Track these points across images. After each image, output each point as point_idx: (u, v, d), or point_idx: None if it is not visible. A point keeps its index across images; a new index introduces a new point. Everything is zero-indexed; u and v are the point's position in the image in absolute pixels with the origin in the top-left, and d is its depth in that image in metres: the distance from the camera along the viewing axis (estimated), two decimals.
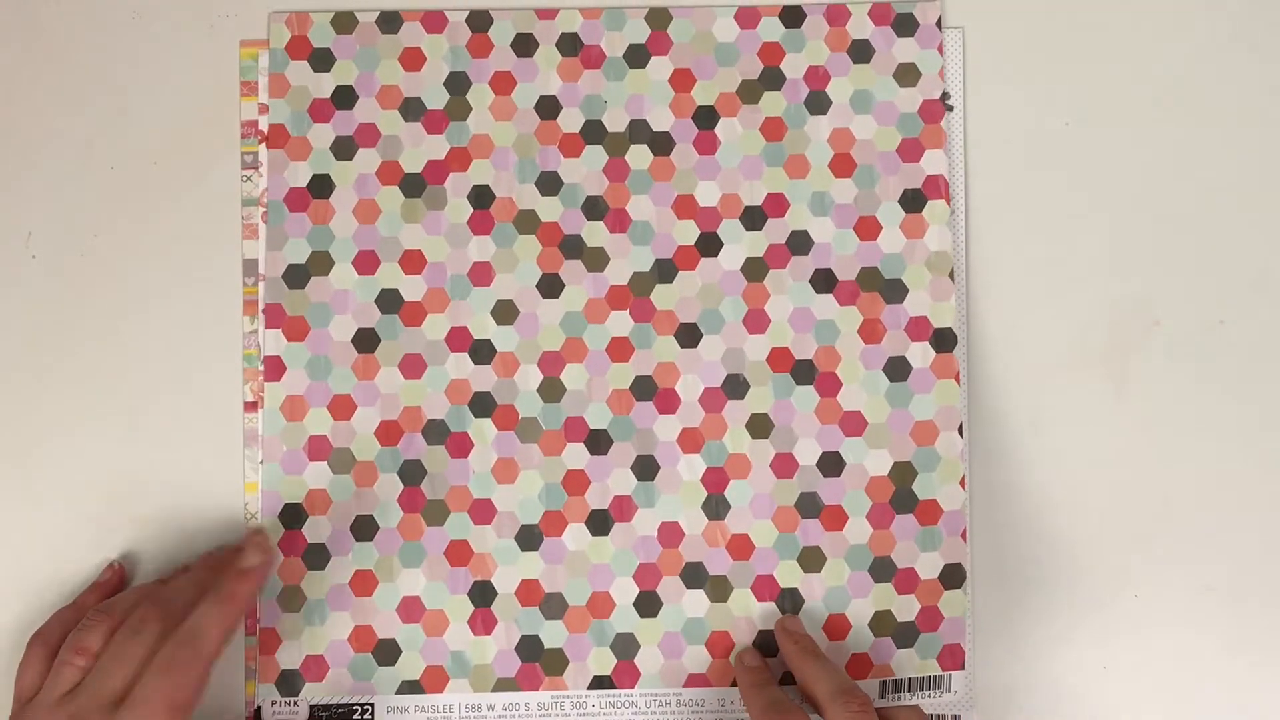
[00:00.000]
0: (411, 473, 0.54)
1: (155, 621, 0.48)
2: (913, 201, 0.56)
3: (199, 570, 0.52)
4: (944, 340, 0.55)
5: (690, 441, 0.54)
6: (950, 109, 0.56)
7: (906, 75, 0.56)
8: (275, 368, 0.55)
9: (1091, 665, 0.56)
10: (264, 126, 0.56)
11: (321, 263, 0.55)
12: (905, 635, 0.54)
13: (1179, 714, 0.56)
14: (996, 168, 0.57)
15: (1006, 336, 0.56)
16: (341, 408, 0.54)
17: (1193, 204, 0.57)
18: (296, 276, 0.55)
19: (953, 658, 0.54)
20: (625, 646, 0.54)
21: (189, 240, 0.56)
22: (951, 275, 0.55)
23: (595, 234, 0.55)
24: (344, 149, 0.56)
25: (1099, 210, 0.57)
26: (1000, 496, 0.56)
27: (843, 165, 0.56)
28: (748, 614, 0.54)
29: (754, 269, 0.55)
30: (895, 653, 0.54)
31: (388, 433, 0.54)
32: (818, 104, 0.56)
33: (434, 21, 0.56)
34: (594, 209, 0.55)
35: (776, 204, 0.56)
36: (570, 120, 0.56)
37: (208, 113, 0.57)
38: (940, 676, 0.54)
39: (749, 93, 0.56)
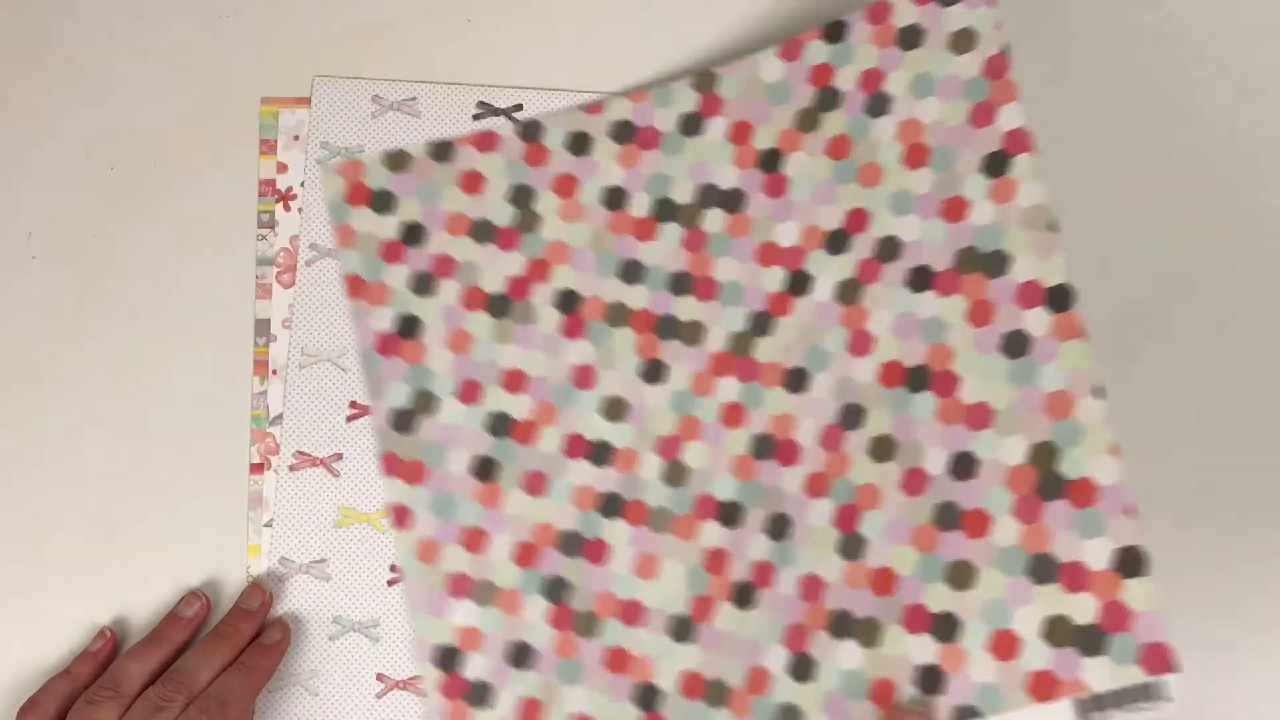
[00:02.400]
0: (555, 589, 0.53)
1: (180, 699, 0.49)
2: (996, 165, 0.52)
3: (213, 644, 0.52)
4: (1059, 298, 0.50)
5: (817, 485, 0.52)
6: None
7: (962, 41, 0.53)
8: (402, 515, 0.54)
9: None
10: (282, 186, 0.57)
11: (426, 402, 0.54)
12: (1090, 641, 0.47)
13: None
14: None
15: None
16: (474, 540, 0.53)
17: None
18: (404, 421, 0.54)
19: (1158, 659, 0.46)
20: None
21: (189, 241, 0.56)
22: (1052, 227, 0.51)
23: (687, 308, 0.54)
24: (424, 285, 0.55)
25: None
26: None
27: (916, 156, 0.53)
28: (903, 653, 0.50)
29: (848, 291, 0.53)
30: (1082, 663, 0.48)
31: (525, 555, 0.53)
32: (878, 106, 0.54)
33: (486, 141, 0.56)
34: (681, 284, 0.54)
35: (857, 219, 0.53)
36: (639, 204, 0.55)
37: (209, 113, 0.57)
38: (1149, 684, 0.47)
39: (808, 121, 0.54)
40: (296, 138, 0.57)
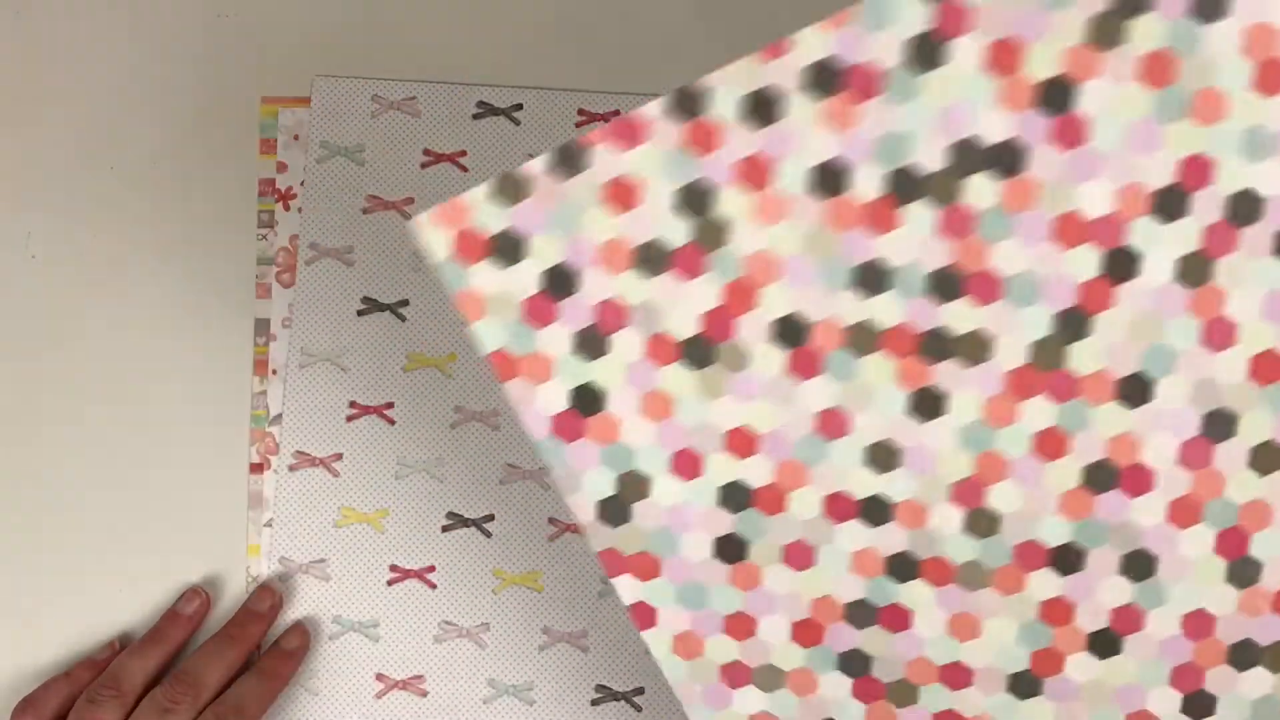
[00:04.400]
0: (854, 664, 0.45)
1: (188, 701, 0.48)
2: None
3: (221, 646, 0.52)
4: None
5: (1184, 513, 0.43)
6: None
7: None
8: (646, 614, 0.45)
9: None
10: (281, 186, 0.56)
11: (635, 486, 0.44)
12: None
13: None
14: None
15: None
16: (739, 627, 0.45)
17: None
18: (615, 512, 0.44)
19: None
20: None
21: (189, 241, 0.56)
22: None
23: (961, 316, 0.42)
24: (593, 344, 0.42)
25: None
26: None
27: (1272, 76, 0.39)
28: None
29: (1193, 269, 0.41)
30: None
31: (806, 633, 0.45)
32: (1210, 5, 0.39)
33: (625, 131, 0.41)
34: (946, 286, 0.42)
35: (1197, 170, 0.40)
36: (866, 182, 0.41)
37: (209, 113, 0.57)
38: None
39: (1105, 33, 0.39)
40: (296, 137, 0.57)
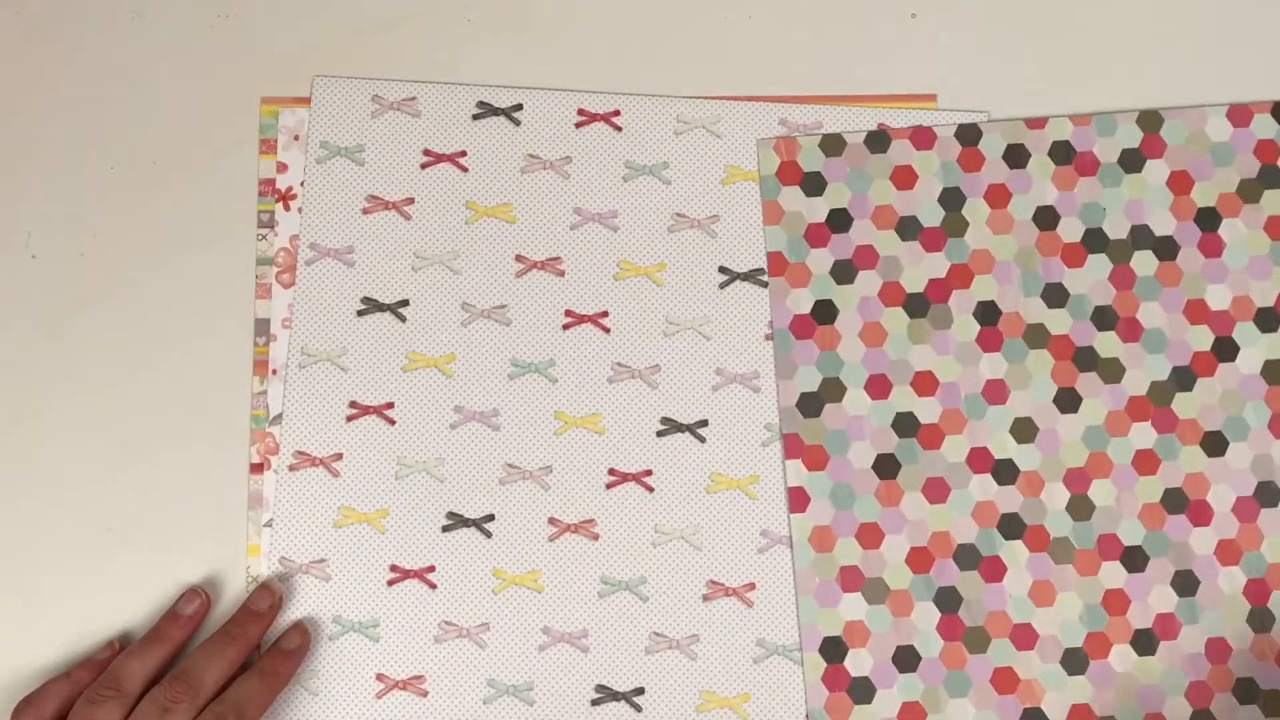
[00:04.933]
0: (947, 600, 0.53)
1: (187, 701, 0.48)
2: None
3: (220, 645, 0.51)
4: None
5: (1228, 553, 0.53)
6: None
7: None
8: (800, 499, 0.54)
9: None
10: (281, 186, 0.56)
11: (834, 389, 0.55)
12: None
13: None
14: None
15: None
16: (869, 536, 0.54)
17: None
18: (811, 405, 0.55)
19: None
20: None
21: (189, 241, 0.56)
22: None
23: (1108, 345, 0.55)
24: (844, 273, 0.55)
25: None
26: None
27: None
28: None
29: (1273, 371, 0.54)
30: None
31: (919, 560, 0.54)
32: None
33: (923, 138, 0.56)
34: (1104, 319, 0.55)
35: None
36: (1070, 229, 0.55)
37: (209, 113, 0.57)
38: None
39: (1249, 192, 0.55)
40: (296, 137, 0.57)
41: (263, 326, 0.56)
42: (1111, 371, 0.54)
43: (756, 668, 0.54)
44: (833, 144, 0.56)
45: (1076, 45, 0.57)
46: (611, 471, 0.56)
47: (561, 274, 0.57)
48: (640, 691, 0.55)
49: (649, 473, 0.56)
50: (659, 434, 0.56)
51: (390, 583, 0.55)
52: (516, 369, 0.56)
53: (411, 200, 0.57)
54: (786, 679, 0.54)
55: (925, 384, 0.55)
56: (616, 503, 0.55)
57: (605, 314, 0.56)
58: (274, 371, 0.56)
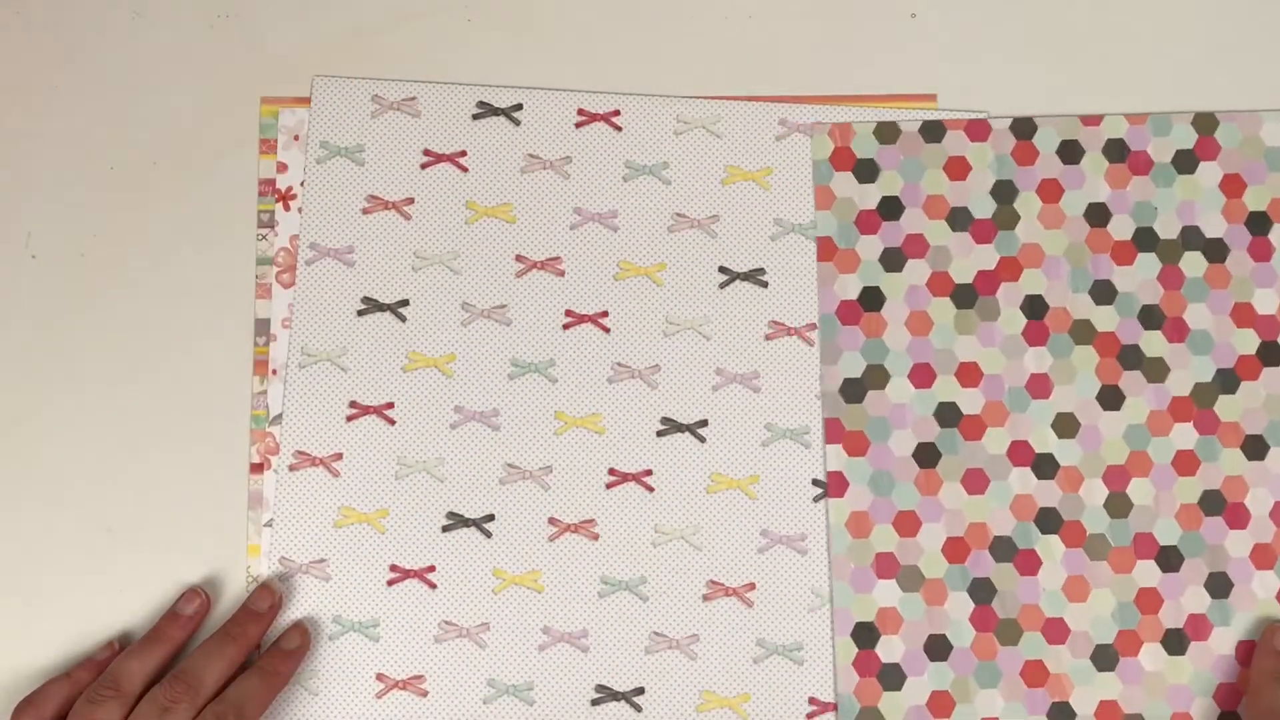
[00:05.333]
0: (981, 590, 0.54)
1: (187, 701, 0.48)
2: None
3: (220, 645, 0.51)
4: None
5: (1262, 558, 0.53)
6: None
7: None
8: (838, 484, 0.54)
9: None
10: (281, 186, 0.56)
11: (878, 377, 0.55)
12: None
13: None
14: None
15: None
16: (906, 524, 0.54)
17: None
18: (854, 391, 0.55)
19: None
20: None
21: (190, 241, 0.56)
22: None
23: (1153, 344, 0.55)
24: (893, 261, 0.56)
25: None
26: None
27: None
28: None
29: None
30: None
31: (955, 549, 0.54)
32: None
33: (977, 129, 0.56)
34: (1151, 318, 0.55)
35: None
36: (1121, 227, 0.55)
37: (209, 113, 0.57)
38: None
39: None
40: (296, 137, 0.57)
41: (263, 326, 0.56)
42: (1156, 371, 0.54)
43: (756, 668, 0.54)
44: (887, 131, 0.56)
45: (1077, 45, 0.57)
46: (611, 471, 0.56)
47: (561, 274, 0.57)
48: (640, 691, 0.55)
49: (649, 473, 0.56)
50: (659, 434, 0.56)
51: (390, 583, 0.55)
52: (516, 369, 0.56)
53: (411, 200, 0.57)
54: (786, 679, 0.54)
55: (969, 375, 0.55)
56: (616, 503, 0.55)
57: (605, 314, 0.56)
58: (274, 371, 0.56)
